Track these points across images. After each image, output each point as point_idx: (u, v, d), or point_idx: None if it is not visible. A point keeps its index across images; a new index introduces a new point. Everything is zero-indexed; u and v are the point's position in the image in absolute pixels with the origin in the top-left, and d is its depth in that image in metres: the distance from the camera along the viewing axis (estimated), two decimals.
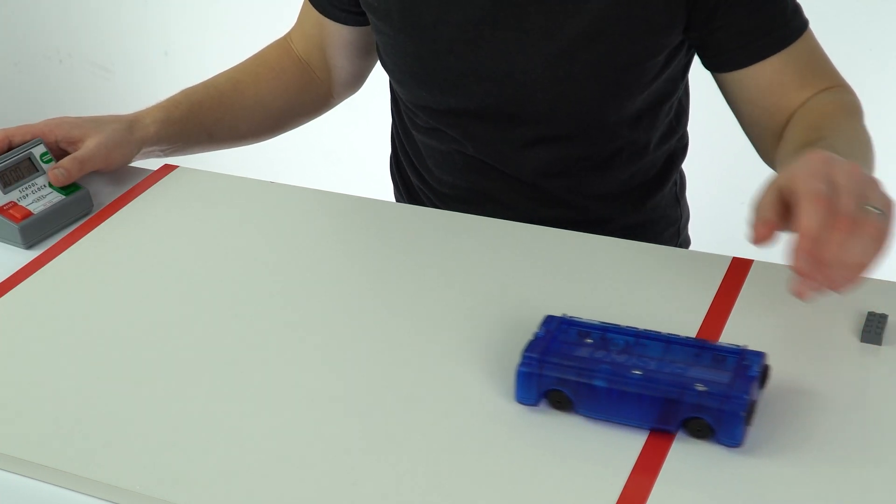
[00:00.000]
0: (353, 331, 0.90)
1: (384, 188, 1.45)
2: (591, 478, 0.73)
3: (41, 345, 0.91)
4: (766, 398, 0.79)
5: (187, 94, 1.24)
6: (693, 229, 1.36)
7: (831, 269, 0.77)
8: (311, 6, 1.26)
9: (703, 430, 0.76)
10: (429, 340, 0.88)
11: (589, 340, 0.81)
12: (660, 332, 0.81)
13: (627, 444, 0.76)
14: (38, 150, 1.10)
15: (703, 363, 0.78)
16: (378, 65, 1.27)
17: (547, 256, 0.97)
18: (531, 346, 0.80)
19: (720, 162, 2.12)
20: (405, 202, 1.31)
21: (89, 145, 1.12)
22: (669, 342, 0.80)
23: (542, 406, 0.80)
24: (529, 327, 0.84)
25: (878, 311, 0.86)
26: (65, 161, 1.10)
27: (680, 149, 1.25)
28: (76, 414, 0.82)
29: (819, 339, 0.85)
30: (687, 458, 0.75)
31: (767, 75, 1.09)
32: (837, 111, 1.07)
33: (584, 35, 1.07)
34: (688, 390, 0.75)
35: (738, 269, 0.94)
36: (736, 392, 0.75)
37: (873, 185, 0.79)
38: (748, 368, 0.77)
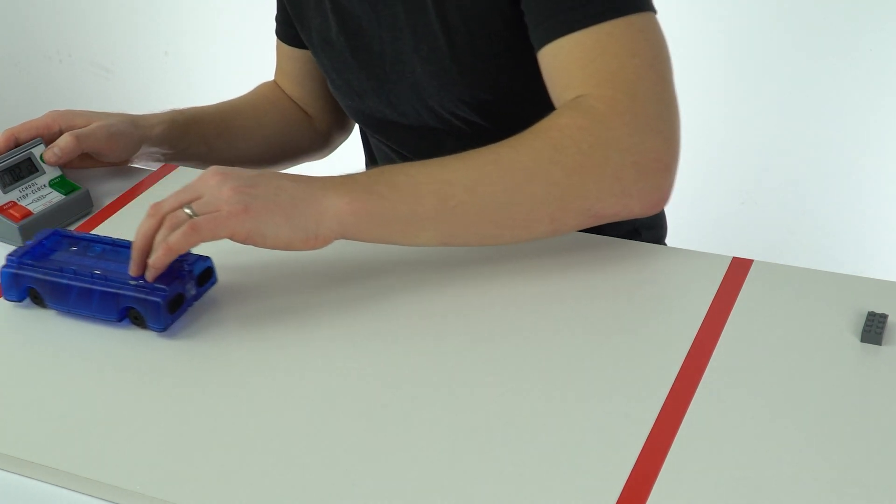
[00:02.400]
0: (353, 329, 0.90)
1: None
2: (592, 478, 0.73)
3: (41, 345, 0.91)
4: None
5: (190, 108, 1.26)
6: (694, 229, 1.36)
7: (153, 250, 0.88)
8: (280, 42, 1.30)
9: (139, 318, 0.89)
10: (436, 340, 0.88)
11: (74, 248, 0.95)
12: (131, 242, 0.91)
13: (627, 444, 0.76)
14: (38, 150, 1.10)
15: None
16: None
17: (547, 255, 0.97)
18: (15, 251, 0.93)
19: (720, 162, 2.13)
20: None
21: (91, 126, 1.12)
22: None
23: (27, 303, 0.94)
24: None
25: (878, 311, 0.86)
26: (61, 139, 1.10)
27: None
28: (76, 414, 0.82)
29: (819, 339, 0.85)
30: (687, 458, 0.75)
31: (545, 65, 0.98)
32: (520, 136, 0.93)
33: (439, 29, 1.06)
34: (125, 285, 0.89)
35: (738, 269, 0.94)
36: (159, 285, 0.88)
37: (214, 194, 0.87)
38: (181, 267, 0.90)
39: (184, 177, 1.16)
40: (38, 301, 0.93)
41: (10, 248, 1.04)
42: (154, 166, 1.19)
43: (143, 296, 0.88)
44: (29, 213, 1.05)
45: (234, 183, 0.88)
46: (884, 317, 0.85)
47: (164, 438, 0.79)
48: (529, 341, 0.87)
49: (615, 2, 0.94)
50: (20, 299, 0.93)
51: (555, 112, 0.94)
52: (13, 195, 1.07)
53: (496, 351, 0.86)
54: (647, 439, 0.76)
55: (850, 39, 2.05)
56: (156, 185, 1.14)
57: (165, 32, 2.69)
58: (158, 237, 0.87)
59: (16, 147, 1.10)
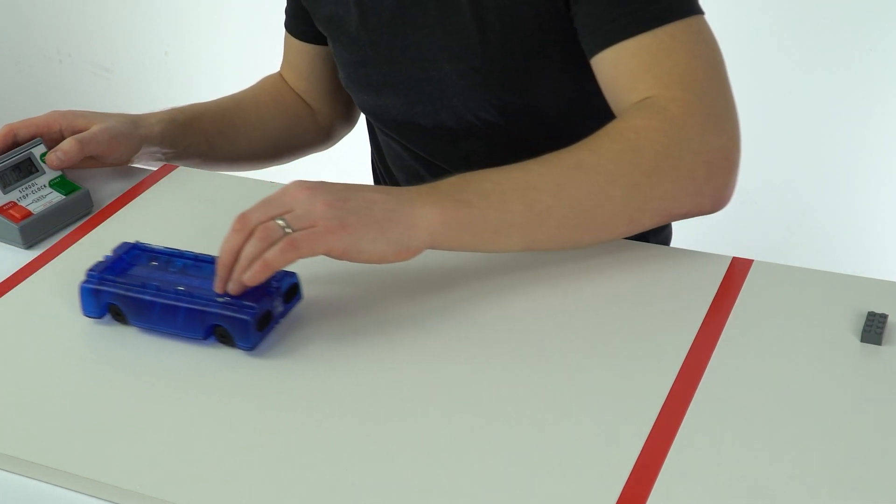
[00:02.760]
0: (353, 330, 0.90)
1: None
2: (591, 478, 0.73)
3: (41, 345, 0.91)
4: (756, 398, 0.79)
5: (190, 105, 1.25)
6: (693, 229, 1.36)
7: (237, 264, 0.85)
8: (289, 35, 1.29)
9: (225, 336, 0.86)
10: (438, 340, 0.88)
11: (154, 263, 0.91)
12: (214, 256, 0.88)
13: (627, 444, 0.76)
14: (38, 151, 1.10)
15: None
16: None
17: (545, 257, 0.97)
18: (95, 266, 0.90)
19: None
20: None
21: (93, 130, 1.12)
22: None
23: (108, 319, 0.91)
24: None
25: (878, 311, 0.86)
26: (64, 143, 1.10)
27: None
28: (76, 414, 0.82)
29: (819, 339, 0.85)
30: (687, 457, 0.75)
31: (605, 69, 0.98)
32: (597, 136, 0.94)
33: (473, 29, 1.07)
34: (212, 302, 0.86)
35: (738, 269, 0.94)
36: (248, 303, 0.85)
37: (307, 208, 0.85)
38: (269, 284, 0.86)
39: (184, 177, 1.16)
40: (120, 318, 0.90)
41: (12, 250, 1.05)
42: (155, 166, 1.19)
43: (231, 313, 0.85)
44: (29, 214, 1.05)
45: (327, 197, 0.85)
46: (884, 317, 0.85)
47: (164, 438, 0.79)
48: (530, 341, 0.87)
49: (673, 5, 0.96)
50: (100, 315, 0.90)
51: (626, 114, 0.95)
52: (13, 195, 1.07)
53: (497, 350, 0.86)
54: (647, 439, 0.76)
55: (850, 39, 2.05)
56: (156, 185, 1.14)
57: (165, 32, 2.69)
58: (248, 251, 0.84)
59: (13, 143, 1.10)
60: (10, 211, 1.05)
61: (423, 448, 0.77)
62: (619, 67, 0.97)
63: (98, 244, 1.04)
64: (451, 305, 0.91)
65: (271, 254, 0.83)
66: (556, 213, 0.90)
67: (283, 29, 1.30)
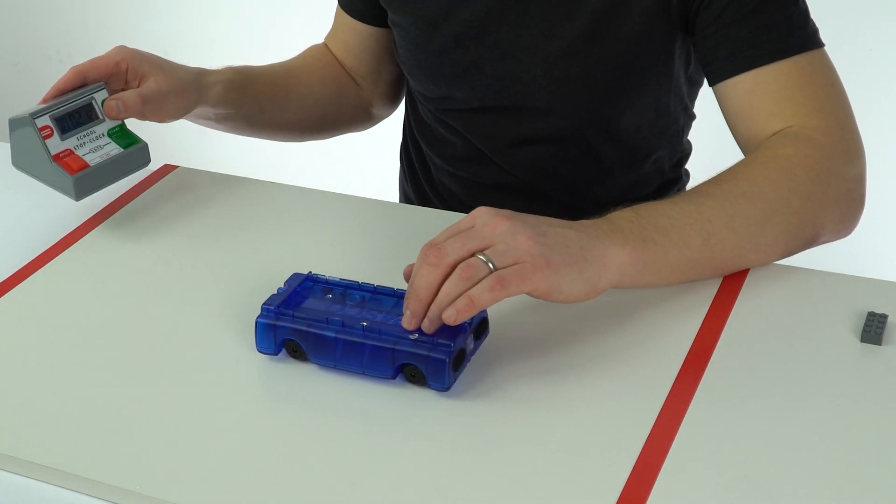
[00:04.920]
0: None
1: (385, 188, 1.45)
2: (591, 478, 0.73)
3: (41, 345, 0.91)
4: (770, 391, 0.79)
5: (245, 66, 1.21)
6: None
7: (429, 302, 0.80)
8: (343, 12, 1.27)
9: (416, 375, 0.81)
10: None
11: (329, 296, 0.86)
12: (395, 289, 0.85)
13: (627, 444, 0.76)
14: (100, 96, 1.05)
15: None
16: None
17: None
18: (270, 300, 0.85)
19: (720, 163, 2.13)
20: (410, 189, 1.32)
21: (153, 87, 1.07)
22: (400, 297, 0.84)
23: (283, 355, 0.86)
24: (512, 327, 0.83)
25: (878, 311, 0.86)
26: (127, 94, 1.05)
27: (684, 158, 1.25)
28: (76, 414, 0.82)
29: (819, 339, 0.85)
30: (687, 458, 0.75)
31: (739, 93, 0.99)
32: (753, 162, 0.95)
33: (581, 37, 1.07)
34: (402, 339, 0.80)
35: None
36: (442, 341, 0.80)
37: (509, 243, 0.80)
38: None
39: (184, 177, 1.16)
40: (297, 354, 0.85)
41: (12, 250, 1.04)
42: (154, 165, 1.18)
43: (424, 352, 0.80)
44: (85, 166, 1.01)
45: (527, 230, 0.81)
46: (884, 317, 0.85)
47: (164, 438, 0.79)
48: (530, 341, 0.87)
49: (811, 35, 0.99)
50: (275, 352, 0.85)
51: (773, 143, 0.96)
52: (70, 142, 1.02)
53: (497, 349, 0.86)
54: (647, 439, 0.76)
55: (849, 39, 2.05)
56: (156, 185, 1.14)
57: (165, 32, 2.69)
58: (450, 289, 0.79)
59: (81, 86, 1.05)
60: (67, 160, 1.01)
61: (421, 448, 0.77)
62: (757, 92, 0.98)
63: (98, 244, 1.04)
64: None
65: (477, 291, 0.78)
66: (728, 244, 0.90)
67: (310, 19, 1.27)
